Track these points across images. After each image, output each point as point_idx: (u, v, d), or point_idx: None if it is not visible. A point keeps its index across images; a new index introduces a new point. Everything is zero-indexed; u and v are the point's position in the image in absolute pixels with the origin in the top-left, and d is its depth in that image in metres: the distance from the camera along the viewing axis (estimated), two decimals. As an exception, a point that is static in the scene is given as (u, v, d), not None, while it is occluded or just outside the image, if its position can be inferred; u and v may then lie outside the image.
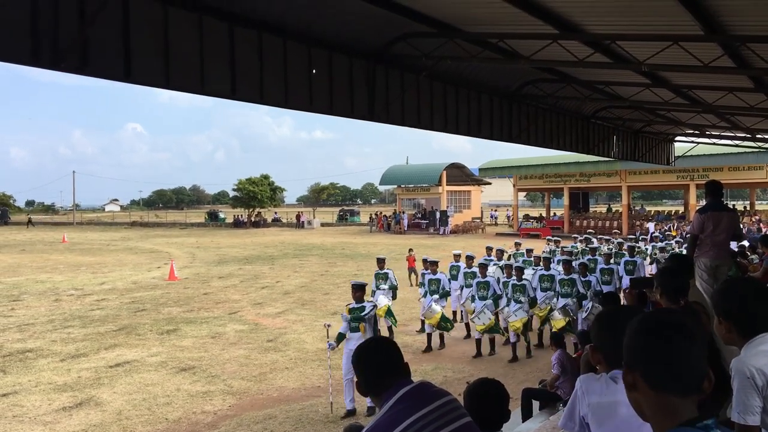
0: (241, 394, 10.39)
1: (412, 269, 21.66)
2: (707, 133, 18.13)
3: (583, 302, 12.08)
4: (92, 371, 11.73)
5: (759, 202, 49.60)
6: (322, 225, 65.78)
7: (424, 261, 14.27)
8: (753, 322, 2.77)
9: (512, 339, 12.09)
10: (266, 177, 70.67)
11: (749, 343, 2.76)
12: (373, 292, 13.18)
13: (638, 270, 14.70)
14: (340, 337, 9.53)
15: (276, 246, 41.32)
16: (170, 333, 14.87)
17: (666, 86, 10.99)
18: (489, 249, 16.66)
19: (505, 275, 13.10)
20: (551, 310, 12.09)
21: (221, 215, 75.38)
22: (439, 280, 13.41)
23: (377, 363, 2.69)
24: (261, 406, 9.88)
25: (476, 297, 12.60)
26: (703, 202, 8.98)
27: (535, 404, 7.92)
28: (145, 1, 5.64)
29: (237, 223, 66.99)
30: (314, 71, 7.66)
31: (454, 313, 14.75)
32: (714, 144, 23.98)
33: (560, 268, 13.02)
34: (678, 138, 20.84)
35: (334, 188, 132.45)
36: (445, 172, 55.15)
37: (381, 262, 14.03)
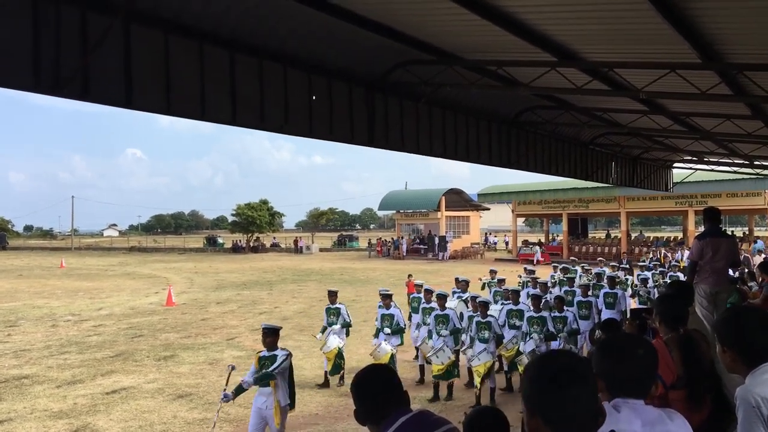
0: (238, 422, 10.28)
1: (411, 294, 21.58)
2: (705, 159, 18.20)
3: (553, 342, 10.97)
4: (88, 398, 11.62)
5: (758, 228, 49.64)
6: (321, 250, 65.68)
7: (380, 294, 12.77)
8: (758, 351, 2.76)
9: (474, 387, 10.87)
10: (265, 202, 70.77)
11: (754, 372, 2.75)
12: (324, 329, 12.35)
13: (619, 303, 13.86)
14: (239, 390, 7.98)
15: (274, 271, 41.24)
16: (167, 359, 14.76)
17: (664, 113, 11.06)
18: (458, 281, 15.37)
19: (470, 309, 12.00)
20: (519, 353, 10.98)
21: (220, 240, 75.31)
22: (392, 316, 12.14)
23: (375, 391, 2.67)
24: (258, 433, 9.76)
25: (434, 332, 11.42)
26: (701, 229, 8.99)
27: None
28: (146, 29, 5.69)
29: (235, 249, 66.90)
30: (314, 97, 7.71)
31: (417, 349, 13.03)
32: (712, 170, 24.08)
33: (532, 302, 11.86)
34: (676, 164, 20.93)
35: (332, 213, 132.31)
36: (443, 198, 55.35)
37: (332, 295, 12.60)
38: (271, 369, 7.77)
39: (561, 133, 13.47)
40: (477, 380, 10.66)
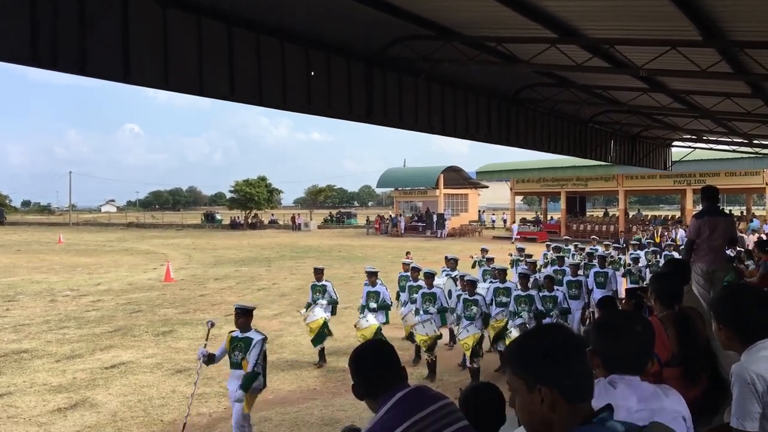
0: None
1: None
2: (704, 138, 18.16)
3: (545, 321, 10.80)
4: (87, 372, 11.70)
5: (755, 207, 49.63)
6: (319, 227, 65.74)
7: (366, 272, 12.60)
8: (754, 328, 2.79)
9: (467, 364, 10.74)
10: (263, 179, 70.71)
11: (749, 349, 2.79)
12: (309, 306, 12.26)
13: (610, 282, 13.75)
14: (211, 359, 7.98)
15: (272, 248, 41.31)
16: (166, 334, 14.84)
17: (664, 91, 11.00)
18: (447, 259, 15.08)
19: (458, 287, 11.97)
20: (507, 327, 10.93)
21: (218, 217, 75.39)
22: (378, 293, 12.00)
23: (374, 366, 2.69)
24: (256, 408, 9.79)
25: (420, 310, 11.34)
26: (699, 207, 8.99)
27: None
28: (144, 2, 5.63)
29: (233, 225, 66.99)
30: (312, 73, 7.65)
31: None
32: (711, 149, 24.04)
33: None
34: (675, 143, 20.87)
35: (331, 190, 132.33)
36: (442, 175, 55.24)
37: (318, 272, 12.47)
38: (251, 367, 7.55)
39: (560, 111, 13.41)
40: (467, 354, 10.57)
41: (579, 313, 12.96)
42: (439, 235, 49.59)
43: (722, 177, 36.66)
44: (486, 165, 53.22)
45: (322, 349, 12.03)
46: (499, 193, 74.74)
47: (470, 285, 11.13)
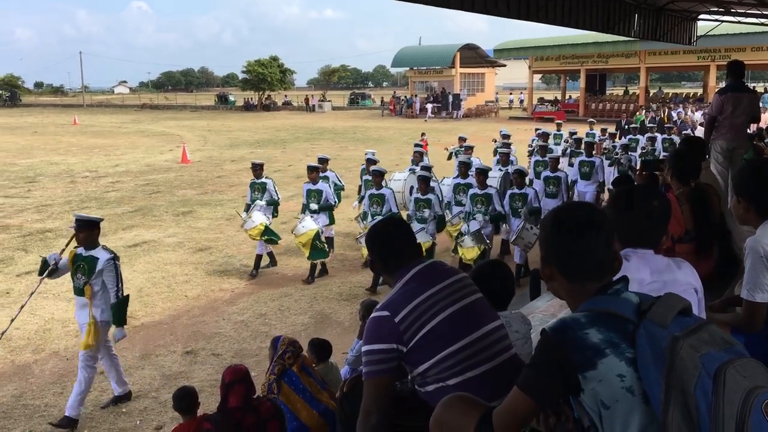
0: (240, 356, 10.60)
1: (425, 153, 21.49)
2: (732, 10, 17.40)
3: (512, 222, 9.88)
4: (111, 251, 12.02)
5: (780, 84, 48.24)
6: (334, 109, 65.04)
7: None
8: None
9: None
10: (275, 59, 69.15)
11: (765, 224, 2.80)
12: (248, 207, 10.84)
13: (596, 173, 12.35)
14: (49, 270, 6.36)
15: (287, 129, 41.16)
16: (185, 215, 15.13)
17: (694, -41, 10.44)
18: (414, 152, 13.55)
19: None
20: (462, 234, 9.48)
21: (231, 98, 74.50)
22: (320, 192, 10.48)
23: (392, 241, 2.73)
24: (276, 284, 10.20)
25: (369, 213, 10.08)
26: (723, 84, 8.73)
27: (543, 286, 8.11)
28: None
29: (247, 107, 66.38)
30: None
31: None
32: (739, 22, 23.08)
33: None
34: (701, 16, 20.03)
35: (344, 71, 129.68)
36: (458, 54, 53.72)
37: (257, 168, 10.90)
38: (114, 295, 6.19)
39: (583, -17, 12.82)
40: None
41: None
42: (454, 116, 48.98)
43: (748, 52, 35.37)
44: (504, 42, 51.57)
45: (270, 253, 10.99)
46: (516, 73, 72.94)
47: (423, 182, 9.71)
